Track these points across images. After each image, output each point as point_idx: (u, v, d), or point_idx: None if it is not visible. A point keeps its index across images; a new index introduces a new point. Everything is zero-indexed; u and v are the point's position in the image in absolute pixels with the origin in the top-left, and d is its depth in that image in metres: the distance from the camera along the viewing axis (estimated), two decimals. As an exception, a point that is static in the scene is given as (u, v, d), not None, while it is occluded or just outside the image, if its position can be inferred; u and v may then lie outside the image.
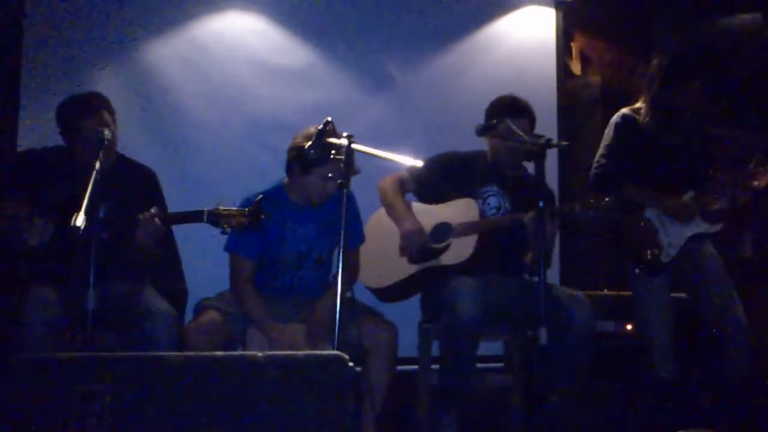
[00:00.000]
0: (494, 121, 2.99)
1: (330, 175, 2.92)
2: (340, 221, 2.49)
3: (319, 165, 2.92)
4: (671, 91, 3.24)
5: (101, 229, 2.57)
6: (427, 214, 3.28)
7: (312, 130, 3.00)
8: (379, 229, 3.30)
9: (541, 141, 2.64)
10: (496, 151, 3.32)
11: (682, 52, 3.32)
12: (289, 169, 3.06)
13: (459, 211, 3.23)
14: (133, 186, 2.99)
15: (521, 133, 2.83)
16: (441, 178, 3.31)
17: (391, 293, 3.29)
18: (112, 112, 2.96)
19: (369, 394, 2.83)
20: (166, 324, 2.74)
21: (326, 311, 2.90)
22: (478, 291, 2.93)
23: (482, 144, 3.38)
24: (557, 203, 3.55)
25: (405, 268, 3.24)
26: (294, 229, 3.07)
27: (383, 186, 3.36)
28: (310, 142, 2.91)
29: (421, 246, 3.21)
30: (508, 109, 3.17)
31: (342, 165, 2.54)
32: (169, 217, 2.79)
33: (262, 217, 2.72)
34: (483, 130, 3.07)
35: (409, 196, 3.42)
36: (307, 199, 3.07)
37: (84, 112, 2.88)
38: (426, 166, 3.15)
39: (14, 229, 2.67)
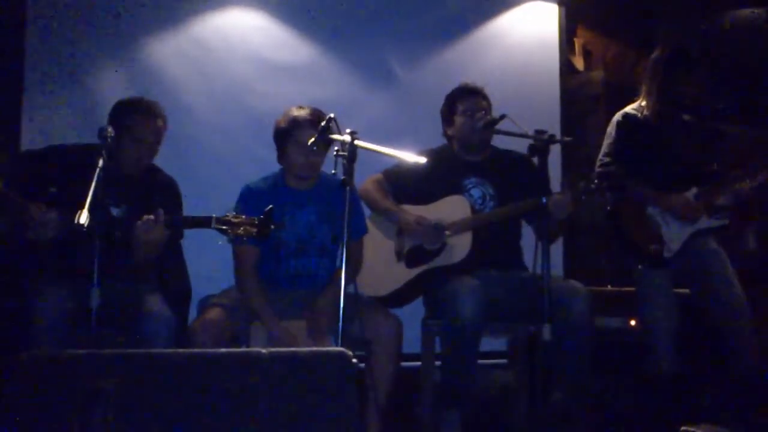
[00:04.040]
0: (497, 116, 3.00)
1: (307, 143, 2.80)
2: (342, 214, 2.48)
3: (291, 136, 2.98)
4: (675, 80, 3.24)
5: (115, 229, 2.57)
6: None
7: (292, 112, 3.03)
8: (373, 237, 3.26)
9: (544, 137, 2.65)
10: (460, 136, 3.32)
11: (685, 42, 3.33)
12: (278, 155, 3.11)
13: (450, 209, 3.20)
14: (154, 192, 2.99)
15: (525, 130, 2.83)
16: (416, 177, 3.24)
17: (394, 300, 3.24)
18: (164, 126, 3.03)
19: (373, 389, 2.83)
20: (165, 327, 2.72)
21: (327, 306, 2.90)
22: (479, 290, 2.91)
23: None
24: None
25: (404, 274, 3.21)
26: (293, 214, 3.08)
27: (365, 190, 3.32)
28: (287, 124, 2.98)
29: (431, 231, 3.18)
30: (464, 91, 3.33)
31: (345, 161, 2.53)
32: (175, 221, 2.77)
33: (272, 227, 2.65)
34: (487, 125, 3.09)
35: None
36: (299, 177, 3.09)
37: (143, 113, 2.95)
38: (399, 167, 3.19)
39: (24, 223, 2.65)
